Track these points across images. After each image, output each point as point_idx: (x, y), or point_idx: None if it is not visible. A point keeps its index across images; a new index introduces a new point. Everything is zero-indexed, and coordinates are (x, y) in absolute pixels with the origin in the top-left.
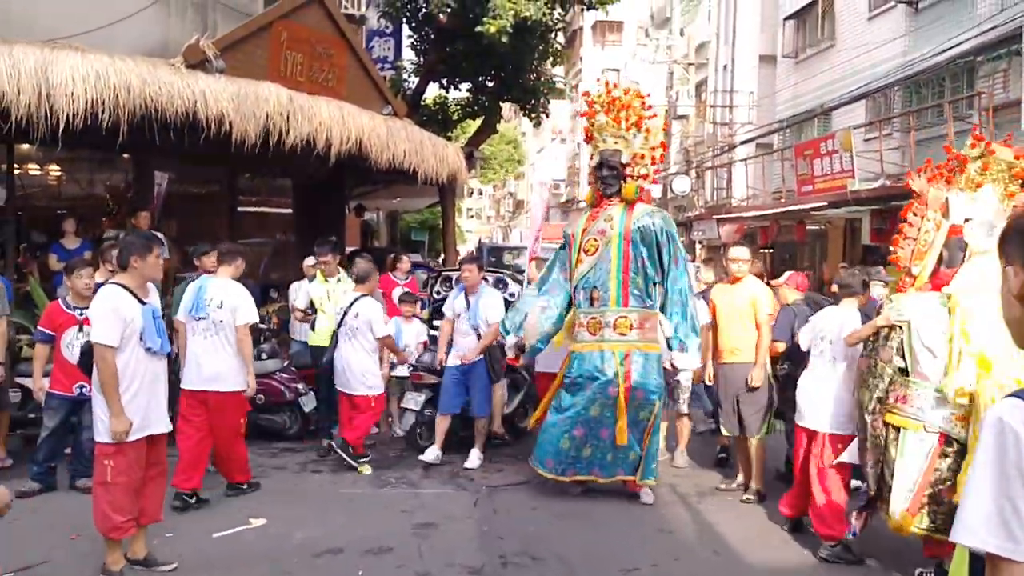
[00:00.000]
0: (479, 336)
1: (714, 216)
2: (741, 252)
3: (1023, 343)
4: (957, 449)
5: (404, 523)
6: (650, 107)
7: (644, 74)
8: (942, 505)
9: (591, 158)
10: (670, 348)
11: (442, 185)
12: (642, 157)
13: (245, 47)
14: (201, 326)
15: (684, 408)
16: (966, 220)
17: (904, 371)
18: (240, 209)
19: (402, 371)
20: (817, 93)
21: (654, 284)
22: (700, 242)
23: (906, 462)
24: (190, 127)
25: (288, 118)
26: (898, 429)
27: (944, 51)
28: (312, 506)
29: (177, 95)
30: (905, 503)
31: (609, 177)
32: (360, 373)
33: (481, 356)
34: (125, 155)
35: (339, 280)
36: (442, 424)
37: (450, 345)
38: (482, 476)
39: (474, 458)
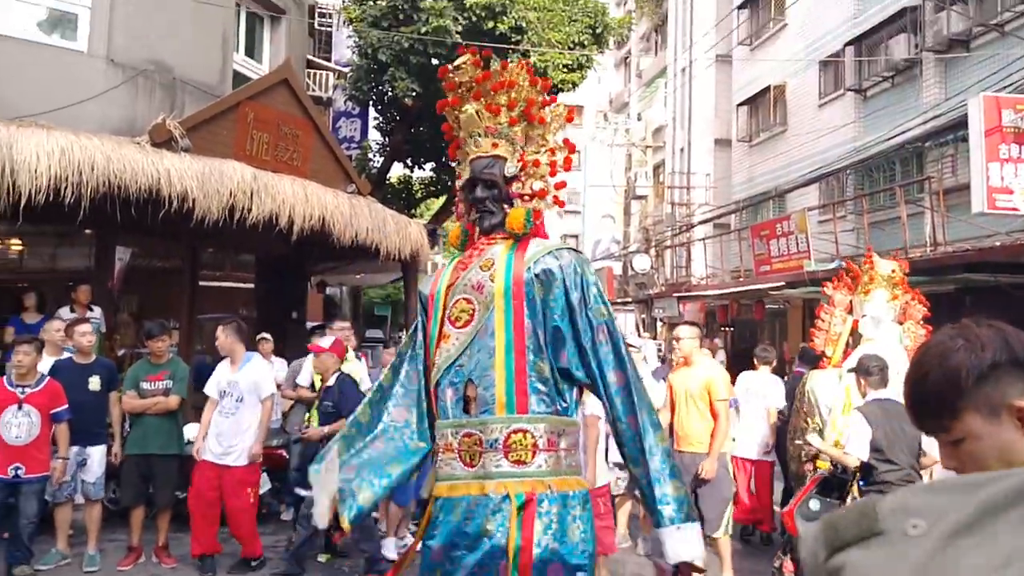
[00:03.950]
0: None
1: (674, 294)
2: (683, 331)
3: None
4: None
5: None
6: (544, 85)
7: (604, 155)
8: None
9: (458, 175)
10: (657, 523)
11: (405, 261)
12: (536, 164)
13: (212, 127)
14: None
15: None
16: (862, 316)
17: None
18: (202, 283)
19: None
20: (772, 175)
21: (568, 375)
22: (661, 319)
23: None
24: (153, 203)
25: (252, 195)
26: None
27: (893, 137)
28: None
29: (141, 172)
30: None
31: (487, 200)
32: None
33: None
34: (87, 231)
35: (345, 359)
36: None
37: None
38: None
39: None
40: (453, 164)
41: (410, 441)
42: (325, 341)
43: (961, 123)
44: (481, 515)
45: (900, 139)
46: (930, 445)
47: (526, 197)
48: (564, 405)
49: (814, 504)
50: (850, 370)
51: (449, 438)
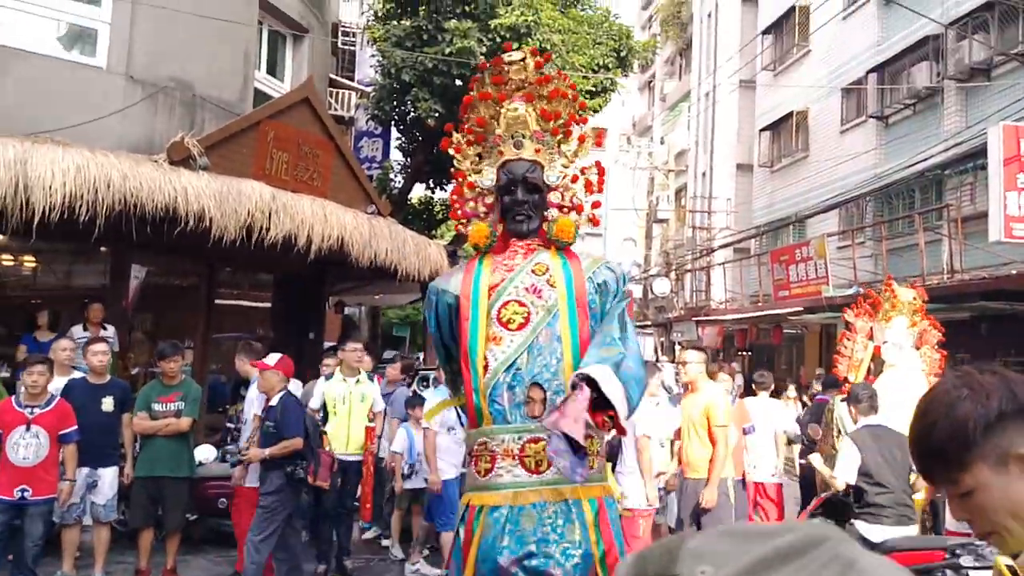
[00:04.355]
0: None
1: (693, 318)
2: (689, 355)
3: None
4: None
5: None
6: (583, 105)
7: (626, 178)
8: None
9: (470, 168)
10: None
11: (424, 283)
12: (575, 179)
13: (231, 145)
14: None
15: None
16: (884, 342)
17: None
18: (218, 302)
19: (416, 482)
20: (792, 201)
21: None
22: (680, 343)
23: None
24: (170, 222)
25: (270, 215)
26: None
27: (913, 164)
28: None
29: (158, 190)
30: None
31: (527, 204)
32: None
33: None
34: (103, 248)
35: (358, 381)
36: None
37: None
38: None
39: None
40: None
41: None
42: (271, 359)
43: (981, 151)
44: (563, 522)
45: (920, 166)
46: None
47: (565, 208)
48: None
49: None
50: (842, 399)
51: (509, 443)
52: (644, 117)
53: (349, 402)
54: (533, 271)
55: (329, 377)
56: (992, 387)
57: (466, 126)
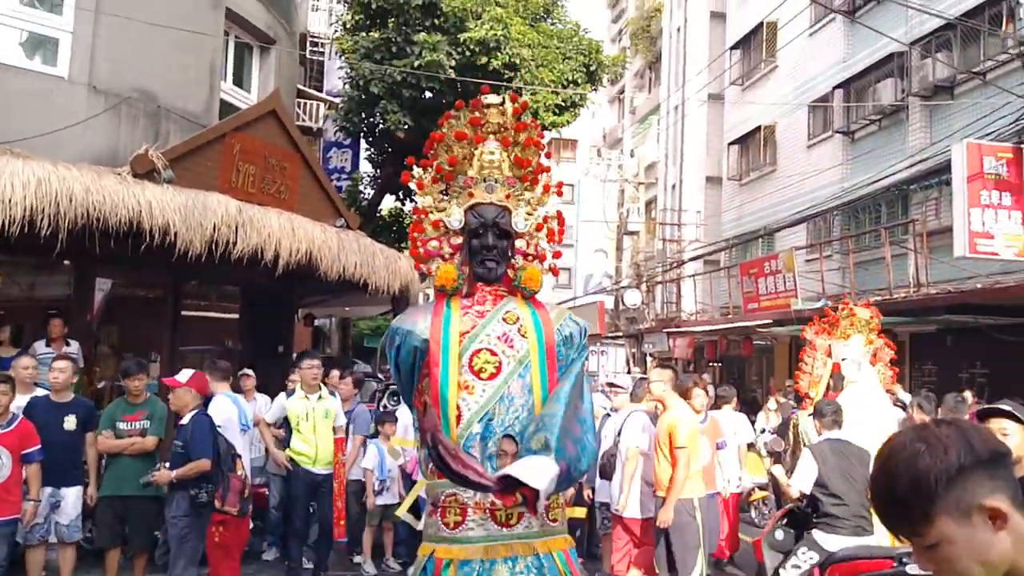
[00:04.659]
0: None
1: (664, 329)
2: (653, 374)
3: None
4: None
5: None
6: (548, 153)
7: (596, 191)
8: None
9: (434, 207)
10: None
11: (395, 295)
12: (539, 228)
13: (196, 158)
14: (245, 440)
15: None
16: (842, 359)
17: None
18: (185, 313)
19: (387, 498)
20: (761, 214)
21: None
22: (651, 354)
23: None
24: (134, 235)
25: (236, 229)
26: None
27: (879, 179)
28: None
29: (121, 204)
30: None
31: (496, 250)
32: None
33: None
34: (66, 261)
35: (320, 397)
36: None
37: None
38: None
39: None
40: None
41: None
42: (183, 375)
43: (945, 167)
44: None
45: (886, 181)
46: None
47: (530, 256)
48: None
49: (779, 534)
50: (809, 414)
51: (480, 497)
52: (614, 129)
53: (313, 419)
54: (504, 319)
55: (290, 394)
56: (949, 440)
57: (435, 162)
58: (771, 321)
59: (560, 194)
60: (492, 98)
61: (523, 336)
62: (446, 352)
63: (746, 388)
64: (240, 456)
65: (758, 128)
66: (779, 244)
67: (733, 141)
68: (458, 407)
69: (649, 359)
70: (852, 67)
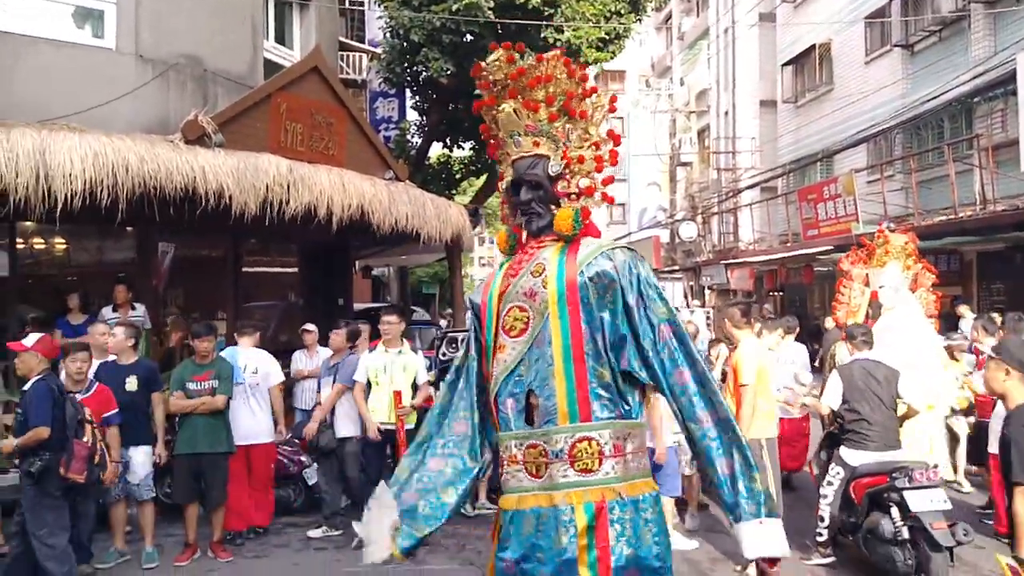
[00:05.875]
0: None
1: (722, 261)
2: (726, 312)
3: None
4: None
5: None
6: (584, 76)
7: (647, 122)
8: None
9: (500, 177)
10: (736, 518)
11: (447, 244)
12: (581, 161)
13: (245, 120)
14: (239, 391)
15: (687, 470)
16: (880, 287)
17: None
18: (246, 270)
19: None
20: (818, 136)
21: (630, 376)
22: (709, 287)
23: None
24: (191, 200)
25: (288, 188)
26: None
27: (941, 94)
28: None
29: (176, 171)
30: None
31: (533, 202)
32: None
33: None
34: (128, 228)
35: (400, 352)
36: None
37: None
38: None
39: None
40: (491, 142)
41: (467, 457)
42: (29, 339)
43: (1011, 77)
44: (552, 527)
45: (948, 96)
46: (907, 394)
47: (573, 196)
48: (627, 408)
49: (823, 455)
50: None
51: (513, 450)
52: (663, 57)
53: (390, 372)
54: (532, 272)
55: (372, 349)
56: None
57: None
58: (832, 247)
59: (613, 110)
60: (489, 59)
61: (544, 287)
62: (489, 316)
63: (808, 317)
64: (92, 422)
65: (812, 47)
66: (838, 167)
67: (787, 62)
68: (491, 368)
69: (708, 292)
70: None
